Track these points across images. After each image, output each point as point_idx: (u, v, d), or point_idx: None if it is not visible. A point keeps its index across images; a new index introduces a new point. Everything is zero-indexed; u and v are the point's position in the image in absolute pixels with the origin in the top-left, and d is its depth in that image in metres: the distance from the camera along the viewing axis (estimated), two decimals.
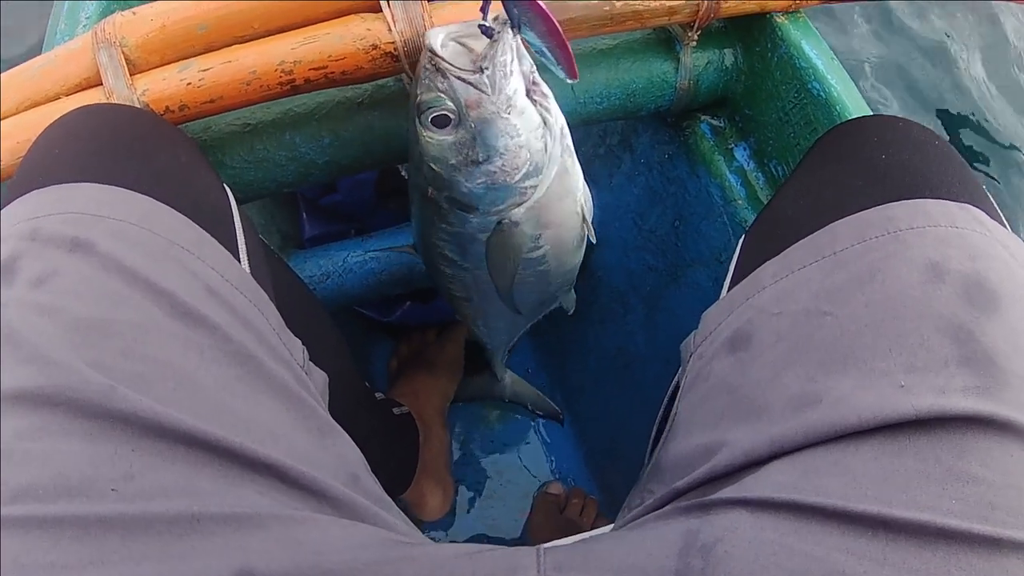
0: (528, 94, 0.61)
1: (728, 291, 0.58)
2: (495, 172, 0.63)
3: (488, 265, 0.73)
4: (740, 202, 0.83)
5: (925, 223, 0.48)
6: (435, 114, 0.61)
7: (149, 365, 0.43)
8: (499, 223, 0.68)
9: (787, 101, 0.78)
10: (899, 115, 0.59)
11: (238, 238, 0.55)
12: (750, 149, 0.85)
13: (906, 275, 0.46)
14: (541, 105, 0.62)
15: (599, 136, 1.08)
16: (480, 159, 0.62)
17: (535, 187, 0.65)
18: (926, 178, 0.52)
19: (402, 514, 0.55)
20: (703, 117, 0.87)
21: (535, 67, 0.62)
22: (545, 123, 0.63)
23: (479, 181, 0.64)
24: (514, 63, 0.59)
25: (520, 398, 1.32)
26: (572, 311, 0.95)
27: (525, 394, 1.32)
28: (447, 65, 0.58)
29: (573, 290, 0.91)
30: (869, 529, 0.38)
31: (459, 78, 0.58)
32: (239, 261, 0.53)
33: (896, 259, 0.47)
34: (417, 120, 0.62)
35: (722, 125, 0.87)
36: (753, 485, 0.44)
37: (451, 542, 1.28)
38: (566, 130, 0.66)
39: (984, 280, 0.45)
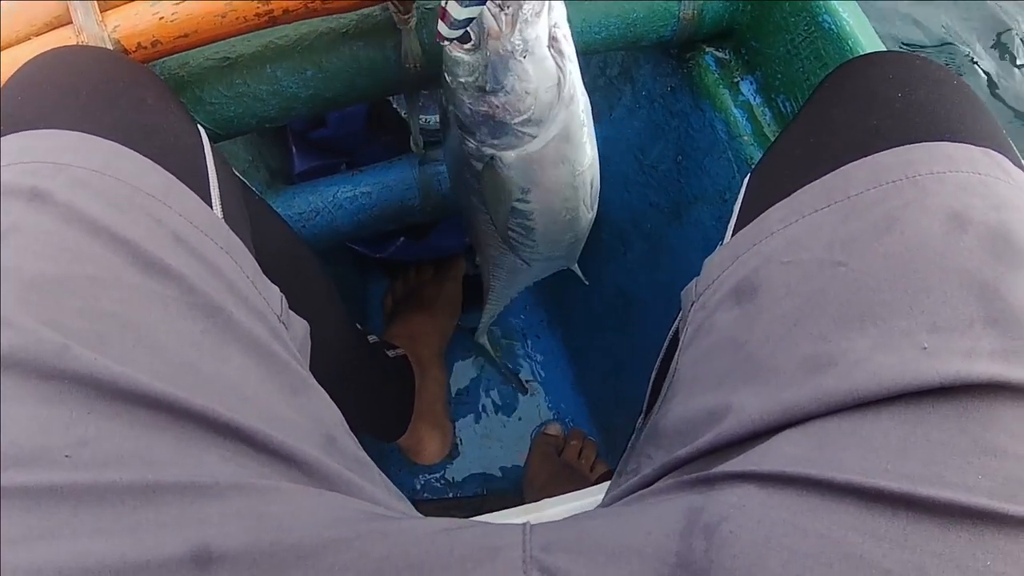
0: (549, 48, 0.62)
1: (732, 235, 0.55)
2: (497, 107, 0.64)
3: (483, 194, 0.74)
4: (746, 138, 0.79)
5: (946, 168, 0.45)
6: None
7: (107, 322, 0.40)
8: (492, 158, 0.69)
9: (796, 34, 0.74)
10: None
11: (210, 181, 0.52)
12: (757, 83, 0.81)
13: (927, 225, 0.43)
14: (557, 63, 0.62)
15: (599, 67, 1.04)
16: (487, 88, 0.63)
17: (532, 137, 0.66)
18: (946, 120, 0.48)
19: (382, 476, 0.52)
20: (708, 49, 0.83)
21: (565, 30, 0.62)
22: (559, 82, 0.63)
23: (481, 108, 0.65)
24: (541, 11, 0.59)
25: (489, 358, 1.30)
26: (587, 282, 0.97)
27: (492, 359, 1.31)
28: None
29: (577, 265, 0.92)
30: (889, 508, 0.35)
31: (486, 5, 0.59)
32: (211, 206, 0.50)
33: (915, 207, 0.44)
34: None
35: (727, 57, 0.83)
36: (762, 457, 0.41)
37: (448, 485, 1.28)
38: (580, 101, 0.66)
39: (1009, 232, 0.42)
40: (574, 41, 0.74)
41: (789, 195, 0.50)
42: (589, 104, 0.67)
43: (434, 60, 0.69)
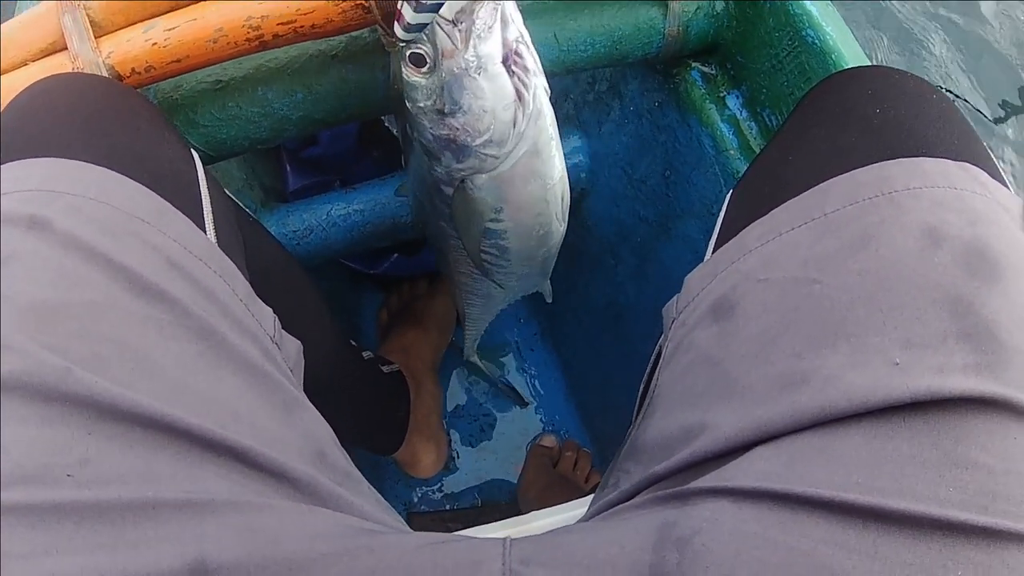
0: (506, 63, 0.61)
1: (713, 252, 0.55)
2: (457, 129, 0.64)
3: (454, 219, 0.74)
4: (732, 152, 0.80)
5: (922, 183, 0.45)
6: (412, 51, 0.61)
7: (106, 346, 0.41)
8: (461, 182, 0.69)
9: (780, 49, 0.74)
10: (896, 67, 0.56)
11: (204, 206, 0.53)
12: (743, 97, 0.82)
13: (901, 242, 0.43)
14: (520, 79, 0.62)
15: (587, 83, 1.05)
16: (445, 110, 0.63)
17: (496, 158, 0.66)
18: (923, 135, 0.49)
19: (372, 490, 0.53)
20: (694, 64, 0.84)
21: (525, 41, 0.61)
22: (520, 98, 0.62)
23: (442, 132, 0.65)
24: (494, 26, 0.59)
25: (483, 375, 1.31)
26: (550, 300, 0.96)
27: (490, 374, 1.31)
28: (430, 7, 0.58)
29: (549, 282, 0.92)
30: (859, 520, 0.36)
31: (437, 23, 0.58)
32: (204, 230, 0.51)
33: (891, 224, 0.44)
34: (401, 51, 0.63)
35: (713, 72, 0.84)
36: (735, 473, 0.41)
37: (445, 498, 1.28)
38: (547, 114, 0.66)
39: (984, 247, 0.42)
40: (560, 59, 0.76)
41: (768, 212, 0.50)
42: (555, 117, 0.67)
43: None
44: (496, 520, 1.21)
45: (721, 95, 0.83)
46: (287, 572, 0.39)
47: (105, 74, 0.60)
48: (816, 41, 0.71)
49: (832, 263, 0.45)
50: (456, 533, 0.46)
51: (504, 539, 0.43)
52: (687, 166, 0.87)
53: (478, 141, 0.64)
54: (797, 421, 0.40)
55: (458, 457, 1.32)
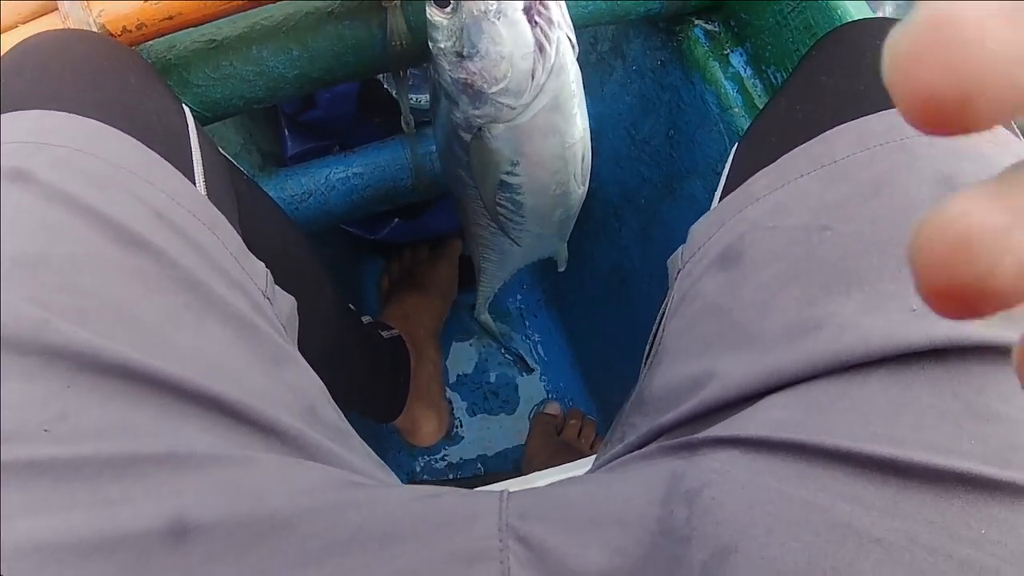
0: (528, 12, 0.60)
1: (719, 202, 0.54)
2: (474, 73, 0.63)
3: (471, 167, 0.73)
4: (736, 110, 0.79)
5: None
6: None
7: (88, 298, 0.40)
8: (479, 129, 0.68)
9: (785, 4, 0.73)
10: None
11: (193, 159, 0.52)
12: (746, 55, 0.80)
13: (915, 189, 0.42)
14: (542, 30, 0.61)
15: (589, 43, 1.03)
16: (463, 52, 0.62)
17: (513, 109, 0.65)
18: None
19: (363, 445, 0.53)
20: (696, 21, 0.83)
21: None
22: (541, 50, 0.62)
23: (460, 75, 0.64)
24: None
25: (491, 334, 1.29)
26: (563, 268, 0.95)
27: (497, 335, 1.30)
28: None
29: (565, 246, 0.91)
30: (879, 474, 0.35)
31: None
32: (194, 183, 0.50)
33: (903, 170, 0.43)
34: None
35: (717, 30, 0.82)
36: (747, 422, 0.40)
37: (448, 467, 1.28)
38: (571, 71, 0.65)
39: None
40: None
41: (775, 161, 0.49)
42: (580, 74, 0.66)
43: (420, 38, 0.69)
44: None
45: (725, 53, 0.81)
46: (270, 528, 0.38)
47: (94, 31, 0.59)
48: None
49: (844, 210, 0.44)
50: (449, 487, 0.45)
51: (501, 492, 0.42)
52: (691, 125, 0.85)
53: (494, 88, 0.63)
54: (812, 367, 0.39)
55: (461, 426, 1.31)
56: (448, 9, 0.61)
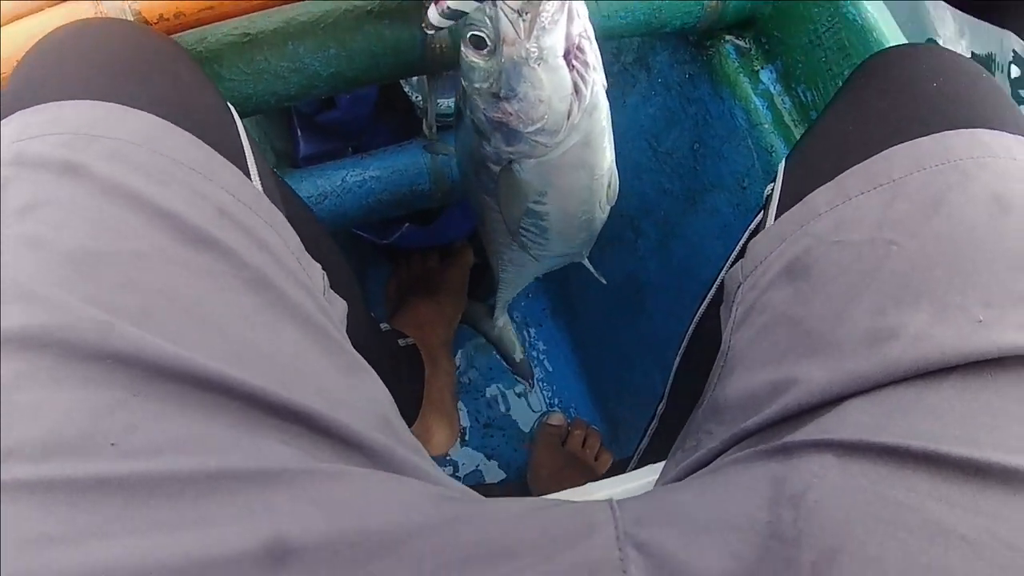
0: (567, 56, 0.61)
1: (775, 218, 0.55)
2: (511, 114, 0.63)
3: (498, 195, 0.74)
4: (766, 126, 0.79)
5: (984, 154, 0.46)
6: (473, 32, 0.61)
7: (154, 297, 0.38)
8: (509, 162, 0.69)
9: (820, 24, 0.73)
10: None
11: (247, 157, 0.51)
12: (777, 72, 0.81)
13: (972, 207, 0.44)
14: (579, 73, 0.62)
15: (612, 54, 1.03)
16: (501, 94, 0.63)
17: (547, 147, 0.66)
18: (981, 110, 0.49)
19: (432, 460, 0.51)
20: (728, 37, 0.83)
21: (589, 36, 0.61)
22: (577, 92, 0.62)
23: (495, 115, 0.64)
24: (559, 19, 0.58)
25: (501, 346, 1.28)
26: (604, 281, 0.94)
27: (507, 345, 1.27)
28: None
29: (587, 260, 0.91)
30: (960, 474, 0.36)
31: (503, 10, 0.58)
32: (251, 180, 0.49)
33: (959, 190, 0.45)
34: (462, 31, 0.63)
35: (748, 46, 0.82)
36: (835, 426, 0.41)
37: (452, 475, 1.27)
38: (602, 108, 0.65)
39: None
40: (598, 25, 0.74)
41: (833, 179, 0.51)
42: (609, 110, 0.67)
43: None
44: (505, 495, 1.20)
45: (755, 69, 0.82)
46: (378, 547, 0.35)
47: (131, 20, 0.58)
48: (857, 18, 0.70)
49: (906, 226, 0.45)
50: (547, 497, 0.44)
51: (609, 501, 0.41)
52: (718, 139, 0.86)
53: (531, 129, 0.64)
54: (890, 374, 0.40)
55: (465, 433, 1.30)
56: (485, 52, 0.61)
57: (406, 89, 1.03)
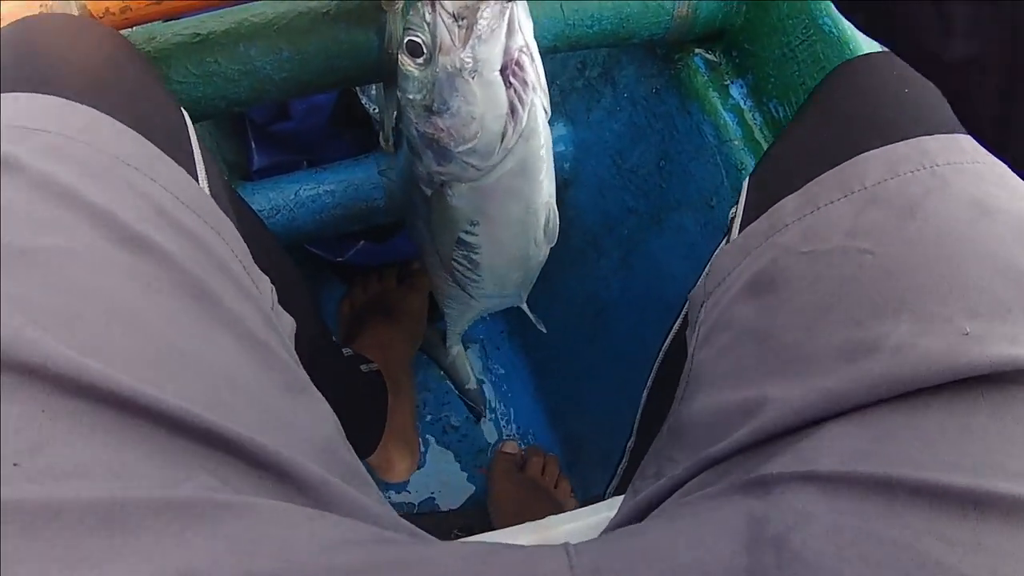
0: (504, 72, 0.58)
1: (739, 231, 0.53)
2: (442, 130, 0.61)
3: (430, 221, 0.72)
4: (736, 142, 0.77)
5: (962, 159, 0.44)
6: (410, 38, 0.58)
7: (78, 299, 0.35)
8: (441, 185, 0.67)
9: (794, 37, 0.71)
10: None
11: (196, 158, 0.47)
12: (747, 87, 0.79)
13: (951, 212, 0.42)
14: (516, 91, 0.59)
15: (576, 68, 1.01)
16: (432, 107, 0.60)
17: (479, 170, 0.63)
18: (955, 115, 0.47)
19: (379, 494, 0.47)
20: (697, 50, 0.81)
21: (530, 53, 0.58)
22: (513, 113, 0.59)
23: (427, 130, 0.62)
24: (498, 31, 0.56)
25: (455, 374, 1.25)
26: (543, 329, 0.92)
27: (460, 375, 1.25)
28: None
29: (526, 305, 0.88)
30: (958, 507, 0.33)
31: (440, 14, 0.56)
32: (198, 183, 0.46)
33: (937, 195, 0.43)
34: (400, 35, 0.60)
35: (717, 60, 0.80)
36: (815, 454, 0.38)
37: (408, 501, 1.23)
38: (542, 135, 0.62)
39: None
40: (564, 34, 0.72)
41: (800, 188, 0.49)
42: (551, 141, 0.64)
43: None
44: (463, 525, 1.16)
45: (725, 83, 0.80)
46: None
47: (76, 14, 0.54)
48: (833, 30, 0.68)
49: (882, 233, 0.43)
50: (495, 541, 0.40)
51: (565, 545, 0.38)
52: (685, 155, 0.83)
53: (461, 148, 0.61)
54: (873, 392, 0.38)
55: (421, 458, 1.26)
56: (421, 60, 0.59)
57: (363, 100, 0.99)
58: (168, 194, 0.42)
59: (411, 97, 0.61)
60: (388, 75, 0.72)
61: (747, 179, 0.57)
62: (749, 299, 0.48)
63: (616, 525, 0.50)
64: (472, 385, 1.25)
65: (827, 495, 0.36)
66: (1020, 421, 0.35)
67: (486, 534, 0.55)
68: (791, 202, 0.49)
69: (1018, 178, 0.43)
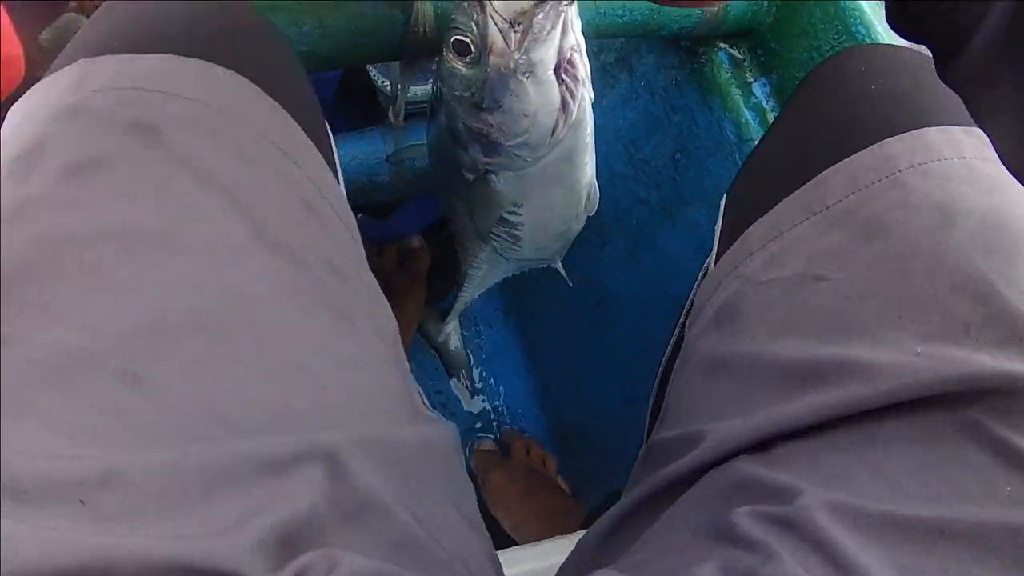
0: (557, 70, 0.59)
1: (716, 259, 0.52)
2: (492, 125, 0.61)
3: (470, 200, 0.72)
4: (756, 142, 0.75)
5: (927, 158, 0.43)
6: (457, 37, 0.58)
7: (211, 301, 0.33)
8: (486, 172, 0.67)
9: (824, 41, 0.70)
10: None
11: (333, 152, 0.46)
12: (771, 86, 0.77)
13: (913, 225, 0.41)
14: (568, 87, 0.60)
15: (592, 53, 0.98)
16: (483, 105, 0.60)
17: (527, 161, 0.64)
18: (924, 105, 0.46)
19: None
20: (722, 45, 0.79)
21: (580, 49, 0.59)
22: (564, 107, 0.60)
23: (475, 125, 0.62)
24: (552, 33, 0.56)
25: (443, 350, 1.22)
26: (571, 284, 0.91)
27: (452, 355, 1.22)
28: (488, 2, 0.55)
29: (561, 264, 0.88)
30: (925, 540, 0.32)
31: (493, 18, 0.56)
32: (337, 179, 0.44)
33: (898, 208, 0.42)
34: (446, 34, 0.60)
35: (742, 56, 0.79)
36: (766, 493, 0.37)
37: None
38: (587, 123, 0.64)
39: (1003, 218, 0.39)
40: (593, 22, 0.71)
41: (769, 210, 0.48)
42: (593, 124, 0.65)
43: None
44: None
45: (748, 81, 0.78)
46: None
47: None
48: (866, 38, 0.67)
49: (838, 257, 0.42)
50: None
51: None
52: (703, 151, 0.82)
53: (512, 142, 0.62)
54: (816, 416, 0.37)
55: None
56: (468, 59, 0.58)
57: (372, 72, 0.97)
58: (313, 186, 0.40)
59: (457, 94, 0.61)
60: (411, 54, 0.69)
61: (724, 197, 0.56)
62: (711, 331, 0.48)
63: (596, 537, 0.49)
64: (462, 364, 1.23)
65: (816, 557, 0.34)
66: (986, 442, 0.34)
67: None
68: (757, 229, 0.48)
69: (994, 163, 0.42)
